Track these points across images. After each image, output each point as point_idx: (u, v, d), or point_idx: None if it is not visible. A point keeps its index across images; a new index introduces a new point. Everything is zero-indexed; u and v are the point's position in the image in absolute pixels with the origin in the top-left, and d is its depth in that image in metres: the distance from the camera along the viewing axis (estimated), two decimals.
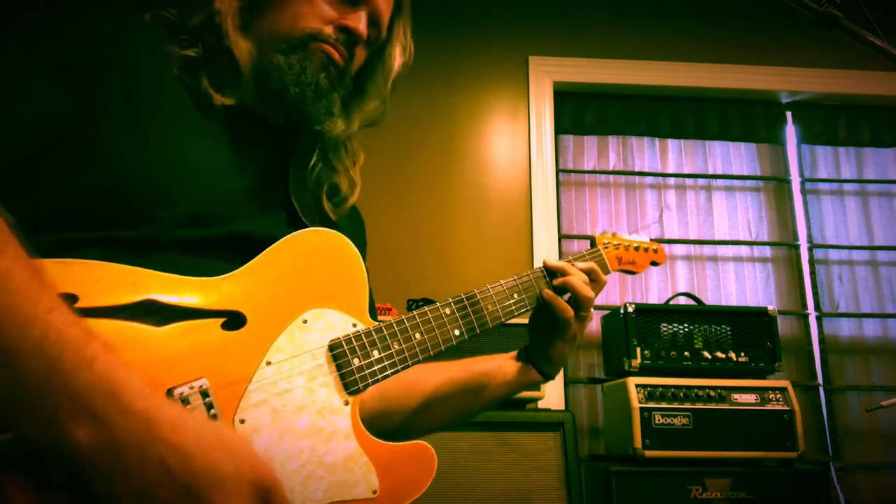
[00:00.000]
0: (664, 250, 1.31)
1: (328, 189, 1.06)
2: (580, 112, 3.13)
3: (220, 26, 0.93)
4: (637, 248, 1.27)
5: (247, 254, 0.86)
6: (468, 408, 1.14)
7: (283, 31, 0.96)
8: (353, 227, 1.15)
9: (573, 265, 1.12)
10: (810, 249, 3.09)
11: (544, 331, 1.10)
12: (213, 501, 0.62)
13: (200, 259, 0.84)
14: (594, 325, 2.89)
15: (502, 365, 1.14)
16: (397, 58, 1.08)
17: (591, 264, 1.13)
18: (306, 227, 0.96)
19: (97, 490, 0.60)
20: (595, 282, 1.11)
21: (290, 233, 0.89)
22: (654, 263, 1.29)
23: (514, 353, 1.15)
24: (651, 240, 1.31)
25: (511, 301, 1.08)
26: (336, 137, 1.04)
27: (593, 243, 1.23)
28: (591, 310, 1.11)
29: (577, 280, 1.09)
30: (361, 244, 1.17)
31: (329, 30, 0.97)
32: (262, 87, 0.97)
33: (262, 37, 0.96)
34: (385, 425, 1.02)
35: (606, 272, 1.19)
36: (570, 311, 1.07)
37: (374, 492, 0.85)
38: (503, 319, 1.06)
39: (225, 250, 0.87)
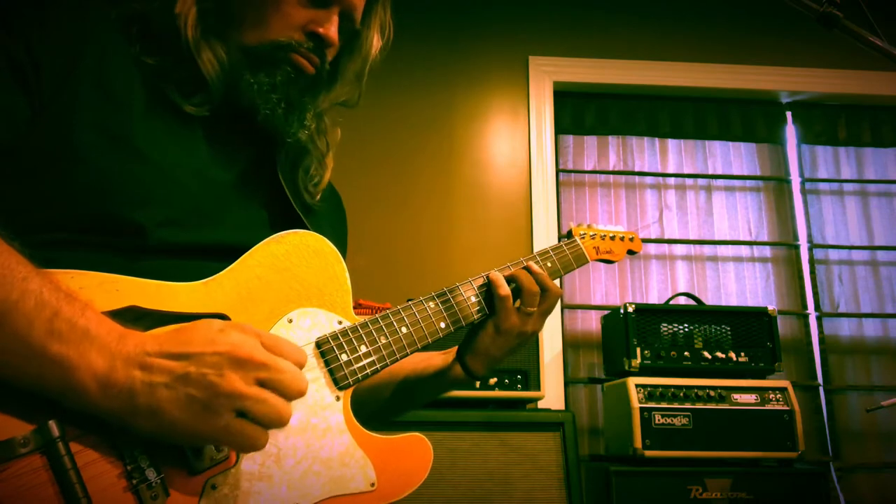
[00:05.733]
0: (639, 238, 1.33)
1: (303, 171, 1.04)
2: (580, 112, 3.13)
3: (180, 32, 0.89)
4: (613, 238, 1.28)
5: (229, 256, 0.86)
6: (400, 404, 1.12)
7: (252, 43, 0.92)
8: (333, 210, 1.14)
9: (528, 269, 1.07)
10: (810, 249, 3.09)
11: (487, 305, 1.05)
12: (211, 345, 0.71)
13: (184, 263, 0.84)
14: (594, 325, 2.90)
15: (431, 358, 1.11)
16: (375, 43, 1.05)
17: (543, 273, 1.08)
18: (290, 223, 0.96)
19: (135, 414, 0.68)
20: (545, 291, 1.06)
21: (271, 233, 0.89)
22: (630, 252, 1.31)
23: (451, 349, 1.12)
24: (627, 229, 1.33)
25: None
26: (305, 142, 1.01)
27: (569, 235, 1.25)
28: (537, 311, 1.05)
29: (524, 273, 1.05)
30: (342, 226, 1.17)
31: (299, 36, 0.94)
32: (231, 102, 0.95)
33: (230, 47, 0.93)
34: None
35: (585, 262, 1.20)
36: (506, 290, 1.03)
37: (373, 485, 0.86)
38: (487, 311, 1.05)
39: (208, 254, 0.87)
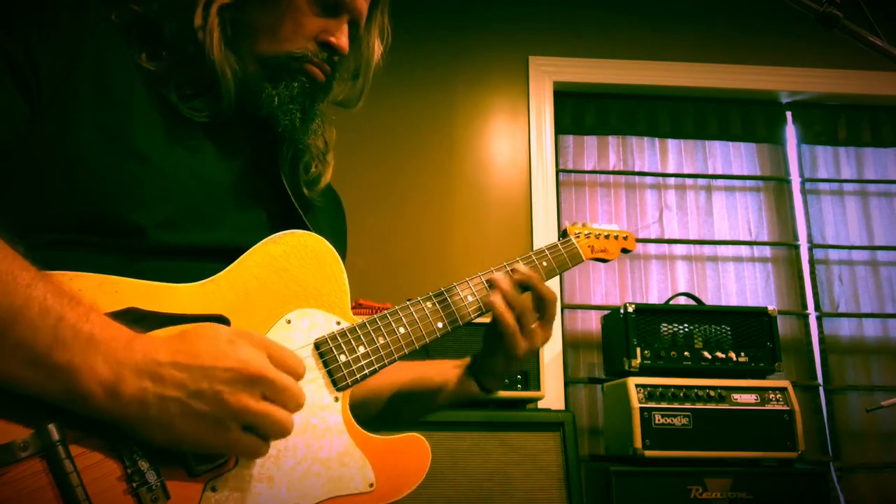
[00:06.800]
0: (633, 237, 1.34)
1: (303, 169, 1.05)
2: (580, 112, 3.13)
3: (202, 44, 0.90)
4: (608, 237, 1.29)
5: (228, 257, 0.86)
6: (411, 413, 1.13)
7: (267, 53, 0.93)
8: (333, 209, 1.14)
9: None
10: (810, 249, 3.09)
11: (495, 338, 1.04)
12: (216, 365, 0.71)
13: (183, 264, 0.84)
14: (594, 325, 2.90)
15: (446, 372, 1.11)
16: (376, 48, 1.07)
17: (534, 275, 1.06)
18: (290, 223, 0.96)
19: (145, 420, 0.69)
20: (542, 300, 1.04)
21: (271, 234, 0.89)
22: (625, 251, 1.32)
23: (464, 360, 1.11)
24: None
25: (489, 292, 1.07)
26: (308, 143, 1.03)
27: (565, 234, 1.25)
28: (540, 325, 1.04)
29: (518, 299, 1.03)
30: (341, 225, 1.17)
31: (312, 47, 0.95)
32: (247, 111, 0.95)
33: (244, 57, 0.93)
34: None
35: (580, 260, 1.21)
36: (513, 326, 1.00)
37: (371, 485, 0.86)
38: (484, 311, 1.05)
39: (207, 255, 0.87)
